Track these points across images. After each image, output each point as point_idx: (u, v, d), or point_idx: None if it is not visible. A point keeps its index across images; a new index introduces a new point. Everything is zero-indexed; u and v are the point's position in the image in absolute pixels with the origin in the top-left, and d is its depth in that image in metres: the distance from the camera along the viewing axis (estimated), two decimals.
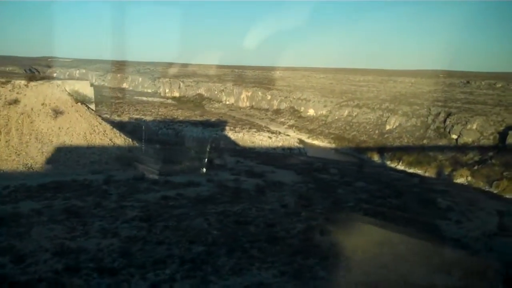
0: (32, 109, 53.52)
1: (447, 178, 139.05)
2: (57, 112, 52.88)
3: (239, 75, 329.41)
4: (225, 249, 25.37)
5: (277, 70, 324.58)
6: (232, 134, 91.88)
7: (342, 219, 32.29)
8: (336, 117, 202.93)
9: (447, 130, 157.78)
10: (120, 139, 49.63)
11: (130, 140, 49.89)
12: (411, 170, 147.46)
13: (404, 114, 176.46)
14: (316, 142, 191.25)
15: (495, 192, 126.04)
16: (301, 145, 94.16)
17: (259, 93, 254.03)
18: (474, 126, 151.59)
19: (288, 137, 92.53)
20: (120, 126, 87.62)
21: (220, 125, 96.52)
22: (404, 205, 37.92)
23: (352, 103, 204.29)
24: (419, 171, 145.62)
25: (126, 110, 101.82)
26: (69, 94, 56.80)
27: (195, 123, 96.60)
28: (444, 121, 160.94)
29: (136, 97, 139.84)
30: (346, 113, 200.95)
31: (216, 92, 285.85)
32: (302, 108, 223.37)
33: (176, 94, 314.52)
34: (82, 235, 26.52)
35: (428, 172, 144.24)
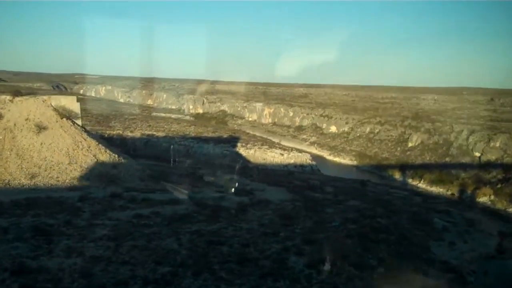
0: (15, 124, 52.32)
1: (469, 197, 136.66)
2: (40, 128, 51.56)
3: (263, 92, 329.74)
4: (193, 270, 24.86)
5: (301, 87, 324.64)
6: (243, 150, 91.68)
7: (320, 240, 31.64)
8: (358, 134, 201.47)
9: (470, 147, 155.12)
10: (105, 155, 48.15)
11: (116, 156, 48.91)
12: (433, 189, 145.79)
13: (426, 131, 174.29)
14: (338, 159, 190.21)
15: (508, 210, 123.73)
16: (313, 162, 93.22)
17: (282, 109, 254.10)
18: (498, 144, 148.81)
19: (300, 154, 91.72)
20: (132, 143, 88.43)
21: (232, 141, 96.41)
22: (394, 226, 36.96)
23: (374, 120, 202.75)
24: (441, 190, 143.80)
25: (139, 126, 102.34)
26: (54, 109, 56.05)
27: (207, 140, 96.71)
28: (467, 138, 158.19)
29: (155, 114, 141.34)
30: (368, 130, 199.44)
31: (239, 109, 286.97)
32: (324, 125, 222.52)
33: (200, 111, 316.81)
34: (45, 253, 25.62)
35: (450, 190, 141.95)
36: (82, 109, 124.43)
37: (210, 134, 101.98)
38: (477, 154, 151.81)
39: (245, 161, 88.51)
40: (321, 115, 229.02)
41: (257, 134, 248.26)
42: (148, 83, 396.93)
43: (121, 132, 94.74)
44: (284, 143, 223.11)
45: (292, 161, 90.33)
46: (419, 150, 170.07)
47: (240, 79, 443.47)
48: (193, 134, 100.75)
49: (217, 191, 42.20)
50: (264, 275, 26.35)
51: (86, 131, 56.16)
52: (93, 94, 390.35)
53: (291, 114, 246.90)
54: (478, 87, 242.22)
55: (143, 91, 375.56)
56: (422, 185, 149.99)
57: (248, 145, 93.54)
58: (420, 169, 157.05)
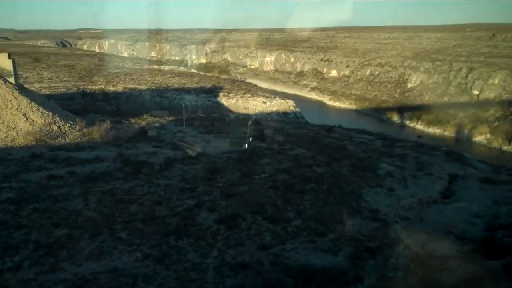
0: None
1: (466, 136, 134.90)
2: None
3: (267, 38, 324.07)
4: (91, 232, 24.54)
5: (305, 31, 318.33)
6: (225, 100, 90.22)
7: (239, 193, 30.88)
8: (358, 77, 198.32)
9: (469, 86, 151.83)
10: (36, 115, 46.04)
11: (50, 114, 47.14)
12: (430, 130, 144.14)
13: (426, 71, 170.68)
14: (337, 104, 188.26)
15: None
16: (297, 109, 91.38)
17: (283, 56, 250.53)
18: (496, 81, 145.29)
19: (283, 102, 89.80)
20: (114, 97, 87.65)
21: (214, 91, 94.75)
22: (329, 175, 35.95)
23: (374, 62, 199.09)
24: (438, 130, 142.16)
25: (122, 79, 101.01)
26: None
27: (189, 91, 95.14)
28: (466, 76, 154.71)
29: (147, 66, 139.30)
30: (368, 72, 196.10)
31: (241, 57, 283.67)
32: (325, 70, 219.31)
33: (203, 61, 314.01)
34: None
35: (447, 130, 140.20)
36: (68, 65, 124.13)
37: (194, 85, 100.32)
38: (476, 92, 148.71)
39: (226, 110, 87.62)
40: (321, 60, 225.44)
41: (258, 82, 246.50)
42: (152, 35, 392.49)
43: (103, 87, 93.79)
44: (285, 89, 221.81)
45: (275, 109, 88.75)
46: (418, 90, 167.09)
47: (244, 27, 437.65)
48: (176, 86, 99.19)
49: (155, 146, 41.36)
50: (168, 233, 25.86)
51: (23, 89, 54.10)
52: (96, 49, 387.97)
53: (292, 60, 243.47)
54: (482, 23, 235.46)
55: (146, 44, 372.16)
56: (419, 126, 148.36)
57: (230, 95, 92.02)
58: (418, 110, 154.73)
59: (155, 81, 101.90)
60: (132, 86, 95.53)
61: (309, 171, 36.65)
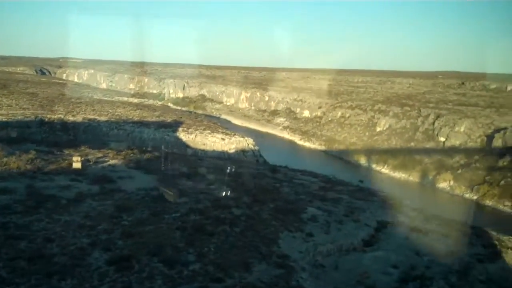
0: None
1: (431, 182, 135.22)
2: None
3: (245, 76, 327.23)
4: None
5: (283, 71, 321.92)
6: (184, 135, 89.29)
7: (142, 233, 29.54)
8: (330, 119, 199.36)
9: (435, 132, 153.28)
10: None
11: None
12: (395, 174, 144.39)
13: (395, 116, 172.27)
14: (307, 144, 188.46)
15: (475, 198, 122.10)
16: (256, 148, 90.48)
17: (258, 94, 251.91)
18: (462, 129, 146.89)
19: (242, 139, 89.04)
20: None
21: (174, 126, 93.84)
22: (247, 217, 34.75)
23: (345, 104, 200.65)
24: (403, 175, 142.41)
25: (83, 110, 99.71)
26: None
27: (148, 124, 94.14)
28: (433, 123, 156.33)
29: (116, 98, 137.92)
30: (339, 114, 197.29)
31: (217, 93, 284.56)
32: (298, 110, 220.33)
33: (180, 95, 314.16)
34: None
35: (411, 176, 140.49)
36: (32, 93, 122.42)
37: (154, 119, 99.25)
38: (442, 139, 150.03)
39: (184, 146, 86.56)
40: (295, 100, 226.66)
41: (232, 119, 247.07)
42: (131, 67, 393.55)
43: (62, 116, 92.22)
44: (258, 127, 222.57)
45: (233, 146, 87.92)
46: (386, 135, 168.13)
47: (224, 63, 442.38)
48: (136, 119, 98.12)
49: (72, 179, 39.75)
50: (52, 274, 24.29)
51: None
52: (75, 79, 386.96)
53: (267, 98, 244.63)
54: (454, 71, 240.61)
55: (125, 76, 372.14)
56: (385, 170, 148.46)
57: (190, 130, 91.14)
58: (385, 154, 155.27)
59: (116, 113, 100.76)
60: (92, 117, 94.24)
61: (226, 212, 35.38)
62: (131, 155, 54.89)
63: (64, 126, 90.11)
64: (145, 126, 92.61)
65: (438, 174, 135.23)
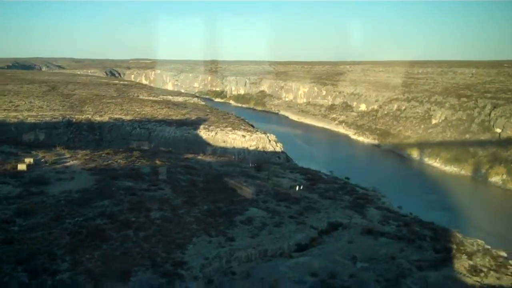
0: None
1: (483, 176, 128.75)
2: None
3: (308, 71, 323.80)
4: None
5: (347, 65, 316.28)
6: (204, 133, 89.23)
7: (26, 239, 28.95)
8: (386, 112, 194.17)
9: (491, 123, 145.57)
10: None
11: None
12: (447, 168, 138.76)
13: (451, 107, 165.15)
14: (361, 138, 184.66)
15: None
16: (279, 145, 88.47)
17: (315, 89, 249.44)
18: None
19: (263, 136, 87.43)
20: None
21: (196, 123, 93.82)
22: (168, 220, 33.41)
23: (402, 96, 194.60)
24: (455, 169, 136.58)
25: (111, 110, 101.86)
26: None
27: (171, 122, 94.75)
28: (490, 114, 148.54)
29: (161, 97, 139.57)
30: (395, 107, 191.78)
31: (276, 89, 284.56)
32: (355, 103, 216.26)
33: (242, 92, 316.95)
34: None
35: (463, 169, 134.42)
36: (68, 95, 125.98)
37: (179, 117, 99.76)
38: (498, 130, 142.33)
39: (204, 143, 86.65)
40: (352, 93, 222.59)
41: (290, 114, 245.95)
42: (197, 66, 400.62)
43: (90, 117, 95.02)
44: (314, 122, 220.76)
45: (254, 143, 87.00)
46: (441, 127, 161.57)
47: (290, 59, 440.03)
48: (160, 117, 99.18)
49: (2, 182, 39.93)
50: None
51: None
52: (143, 79, 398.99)
53: (324, 93, 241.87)
54: None
55: (190, 74, 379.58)
56: (437, 164, 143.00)
57: (211, 127, 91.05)
58: (438, 147, 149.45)
59: (143, 112, 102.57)
60: (118, 116, 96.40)
61: (141, 215, 34.27)
62: (105, 155, 53.89)
63: (91, 126, 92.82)
64: (167, 124, 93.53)
65: (491, 168, 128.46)
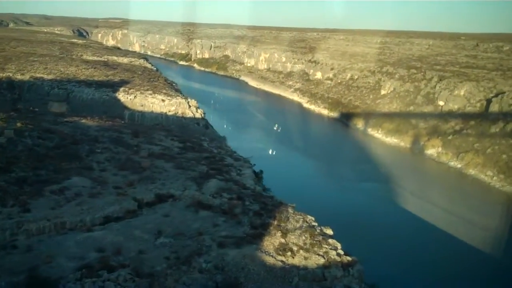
0: None
1: (420, 148, 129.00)
2: None
3: (275, 37, 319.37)
4: None
5: (315, 32, 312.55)
6: (122, 96, 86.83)
7: None
8: (339, 81, 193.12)
9: (436, 96, 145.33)
10: None
11: None
12: (388, 139, 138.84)
13: (400, 78, 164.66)
14: (312, 107, 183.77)
15: (459, 166, 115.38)
16: (199, 111, 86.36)
17: (275, 55, 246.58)
18: (462, 92, 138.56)
19: (183, 101, 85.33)
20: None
21: (118, 85, 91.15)
22: None
23: (356, 66, 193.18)
24: (395, 140, 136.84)
25: (35, 68, 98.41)
26: None
27: (91, 84, 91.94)
28: (435, 86, 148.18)
29: (106, 57, 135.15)
30: (348, 76, 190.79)
31: (239, 54, 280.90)
32: (311, 71, 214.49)
33: (206, 56, 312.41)
34: None
35: (403, 141, 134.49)
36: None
37: (102, 78, 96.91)
38: (441, 103, 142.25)
39: (121, 107, 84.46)
40: (309, 61, 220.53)
41: (250, 80, 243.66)
42: (164, 27, 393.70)
43: (11, 75, 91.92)
44: (272, 89, 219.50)
45: (172, 108, 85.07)
46: (389, 98, 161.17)
47: (266, 24, 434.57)
48: (83, 78, 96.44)
49: None
50: None
51: None
52: (110, 39, 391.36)
53: (284, 59, 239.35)
54: (481, 32, 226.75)
55: (157, 36, 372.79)
56: (378, 134, 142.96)
57: (131, 90, 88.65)
58: (382, 118, 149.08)
59: (67, 72, 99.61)
60: (40, 75, 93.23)
61: None
62: None
63: (11, 84, 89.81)
64: (87, 85, 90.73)
65: (429, 140, 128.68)
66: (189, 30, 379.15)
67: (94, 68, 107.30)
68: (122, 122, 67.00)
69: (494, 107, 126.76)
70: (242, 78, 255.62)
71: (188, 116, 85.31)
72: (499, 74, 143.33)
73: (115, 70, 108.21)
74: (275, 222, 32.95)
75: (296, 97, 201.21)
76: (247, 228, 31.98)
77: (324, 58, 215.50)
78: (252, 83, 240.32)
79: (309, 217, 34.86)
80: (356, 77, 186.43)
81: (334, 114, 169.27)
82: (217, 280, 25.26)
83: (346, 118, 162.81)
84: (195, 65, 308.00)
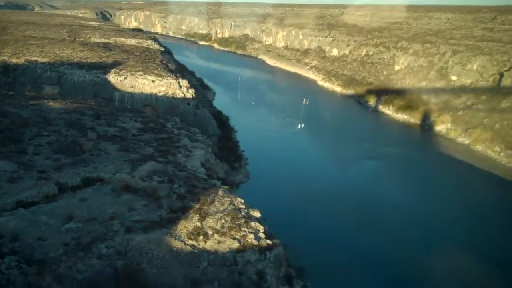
0: None
1: (430, 124, 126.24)
2: None
3: (296, 14, 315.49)
4: None
5: (337, 8, 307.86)
6: (113, 77, 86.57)
7: None
8: (354, 57, 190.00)
9: (448, 70, 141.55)
10: None
11: None
12: (398, 115, 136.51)
13: (414, 53, 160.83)
14: (327, 85, 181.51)
15: (467, 142, 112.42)
16: (191, 91, 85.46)
17: (293, 32, 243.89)
18: (475, 67, 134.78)
19: (173, 82, 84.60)
20: None
21: (110, 67, 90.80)
22: None
23: (371, 42, 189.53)
24: (405, 116, 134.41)
25: (31, 51, 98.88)
26: None
27: (83, 66, 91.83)
28: (448, 61, 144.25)
29: (114, 39, 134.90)
30: (364, 52, 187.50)
31: (258, 33, 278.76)
32: (328, 48, 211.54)
33: (226, 35, 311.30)
34: None
35: (413, 117, 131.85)
36: None
37: (95, 60, 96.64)
38: (454, 78, 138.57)
39: (112, 88, 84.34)
40: (326, 37, 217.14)
41: (267, 59, 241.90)
42: (185, 7, 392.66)
43: (6, 59, 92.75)
44: (288, 67, 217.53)
45: (163, 89, 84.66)
46: (402, 73, 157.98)
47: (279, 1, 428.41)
48: (76, 60, 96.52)
49: None
50: None
51: None
52: (132, 21, 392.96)
53: (301, 37, 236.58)
54: (506, 5, 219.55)
55: (178, 16, 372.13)
56: (389, 111, 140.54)
57: (122, 72, 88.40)
58: (395, 95, 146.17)
59: (62, 54, 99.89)
60: (34, 58, 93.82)
61: None
62: None
63: (6, 68, 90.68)
64: (79, 68, 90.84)
65: (438, 116, 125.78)
66: (211, 10, 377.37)
67: (90, 50, 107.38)
68: (92, 104, 66.83)
69: (507, 81, 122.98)
70: (260, 56, 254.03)
71: (178, 96, 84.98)
72: None
73: (112, 52, 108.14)
74: (197, 206, 32.43)
75: (311, 75, 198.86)
76: (165, 212, 31.54)
77: (341, 34, 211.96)
78: (270, 61, 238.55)
79: (239, 199, 34.35)
80: (371, 53, 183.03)
81: (348, 92, 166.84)
82: (116, 266, 25.02)
83: (359, 95, 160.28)
84: (215, 44, 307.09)
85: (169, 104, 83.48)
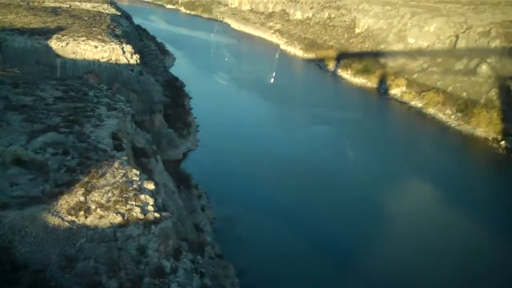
0: None
1: (385, 88, 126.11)
2: None
3: None
4: None
5: None
6: (55, 43, 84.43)
7: None
8: (317, 20, 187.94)
9: (406, 33, 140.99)
10: None
11: None
12: (356, 79, 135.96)
13: (375, 16, 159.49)
14: (289, 49, 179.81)
15: (419, 105, 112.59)
16: (135, 57, 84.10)
17: None
18: (432, 29, 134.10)
19: (116, 47, 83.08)
20: None
21: (52, 33, 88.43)
22: None
23: (334, 4, 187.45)
24: (363, 80, 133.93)
25: None
26: None
27: (25, 32, 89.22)
28: (406, 23, 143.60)
29: (68, 3, 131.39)
30: (326, 15, 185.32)
31: None
32: (292, 11, 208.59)
33: None
34: None
35: (370, 81, 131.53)
36: None
37: (38, 25, 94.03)
38: (411, 41, 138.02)
39: (53, 55, 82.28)
40: (290, 0, 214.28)
41: (232, 22, 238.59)
42: None
43: None
44: (253, 31, 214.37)
45: (105, 55, 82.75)
46: (362, 37, 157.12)
47: None
48: (19, 25, 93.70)
49: None
50: None
51: None
52: None
53: None
54: None
55: None
56: (347, 75, 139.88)
57: (64, 37, 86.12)
58: (353, 58, 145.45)
59: (4, 20, 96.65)
60: None
61: None
62: None
63: None
64: (21, 34, 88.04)
65: (394, 80, 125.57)
66: None
67: (35, 15, 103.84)
68: (18, 72, 64.53)
69: (461, 43, 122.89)
70: (226, 20, 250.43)
71: (122, 62, 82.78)
72: (471, 8, 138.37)
73: (58, 17, 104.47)
74: (86, 179, 31.21)
75: (275, 39, 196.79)
76: (49, 186, 30.31)
77: None
78: (234, 25, 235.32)
79: (134, 171, 33.12)
80: (333, 16, 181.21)
81: (309, 56, 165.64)
82: None
83: (319, 59, 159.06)
84: (182, 8, 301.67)
85: (112, 70, 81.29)
